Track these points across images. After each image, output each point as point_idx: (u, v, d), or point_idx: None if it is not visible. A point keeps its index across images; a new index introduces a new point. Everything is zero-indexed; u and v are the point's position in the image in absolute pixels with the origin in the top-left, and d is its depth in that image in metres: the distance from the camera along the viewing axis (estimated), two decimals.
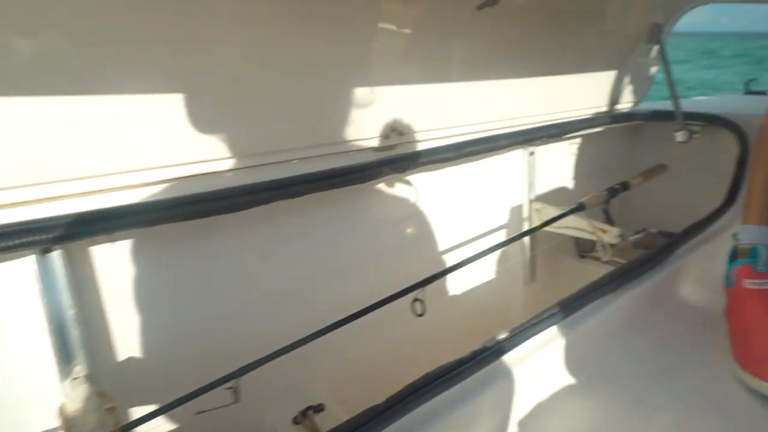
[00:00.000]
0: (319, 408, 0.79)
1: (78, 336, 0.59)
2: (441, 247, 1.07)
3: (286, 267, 0.83)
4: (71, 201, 0.60)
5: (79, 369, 0.59)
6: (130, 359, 0.68)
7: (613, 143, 1.42)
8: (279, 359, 0.64)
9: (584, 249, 1.28)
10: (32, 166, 0.56)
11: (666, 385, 0.77)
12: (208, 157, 0.69)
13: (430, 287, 0.79)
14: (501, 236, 1.19)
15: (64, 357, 0.58)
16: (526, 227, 1.22)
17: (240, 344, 0.76)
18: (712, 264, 0.96)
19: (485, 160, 1.09)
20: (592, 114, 1.30)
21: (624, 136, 1.43)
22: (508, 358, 0.67)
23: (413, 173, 0.96)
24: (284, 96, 0.74)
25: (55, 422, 0.57)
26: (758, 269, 0.85)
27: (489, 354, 0.64)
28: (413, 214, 1.01)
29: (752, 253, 0.87)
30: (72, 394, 0.57)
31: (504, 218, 1.20)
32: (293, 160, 0.78)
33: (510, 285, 1.24)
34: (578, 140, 1.32)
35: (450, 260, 1.03)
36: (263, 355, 0.63)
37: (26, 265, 0.57)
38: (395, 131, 0.88)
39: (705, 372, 0.81)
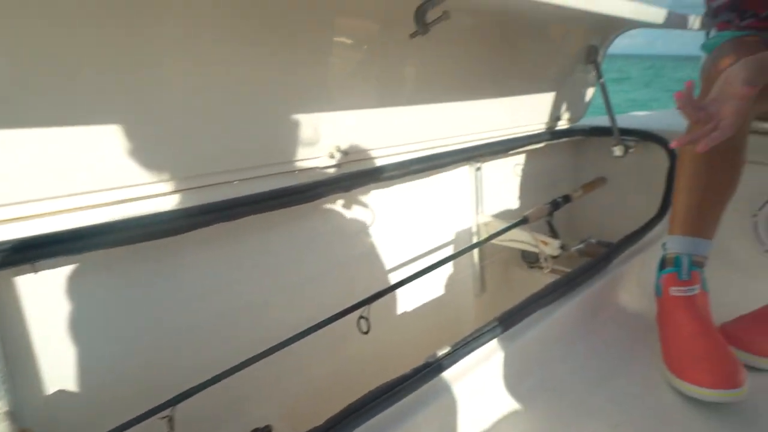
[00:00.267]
0: (266, 430, 0.78)
1: None
2: (390, 264, 1.08)
3: (229, 289, 0.81)
4: None
5: (0, 405, 0.56)
6: (59, 393, 0.65)
7: (556, 158, 1.49)
8: (223, 382, 0.63)
9: (530, 260, 1.33)
10: None
11: (604, 391, 0.81)
12: (145, 180, 0.68)
13: (380, 304, 0.80)
14: (450, 250, 1.22)
15: None
16: (474, 241, 1.26)
17: (180, 370, 0.74)
18: (647, 272, 1.02)
19: (432, 177, 1.11)
20: (536, 131, 1.36)
21: (566, 150, 1.50)
22: (449, 373, 0.68)
23: (360, 192, 0.97)
24: (228, 117, 0.74)
25: None
26: (682, 277, 0.91)
27: (430, 370, 0.65)
28: (360, 232, 1.01)
29: (676, 262, 0.93)
30: None
31: (452, 233, 1.23)
32: (234, 181, 0.77)
33: (461, 298, 1.27)
34: (523, 155, 1.37)
35: (399, 276, 1.04)
36: (203, 380, 0.62)
37: None
38: (341, 151, 0.89)
39: (640, 376, 0.86)
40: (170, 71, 0.66)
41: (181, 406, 0.58)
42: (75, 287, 0.64)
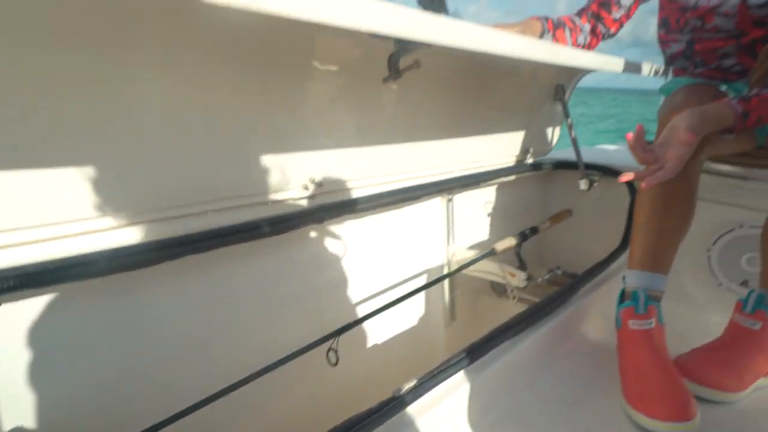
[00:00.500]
0: None
1: None
2: (361, 295, 1.09)
3: (200, 320, 0.81)
4: None
5: None
6: (24, 429, 0.63)
7: (526, 190, 1.54)
8: (192, 415, 0.62)
9: (498, 290, 1.36)
10: None
11: (567, 421, 0.83)
12: (116, 211, 0.67)
13: (349, 335, 0.81)
14: (421, 280, 1.24)
15: None
16: (445, 271, 1.28)
17: (150, 402, 0.73)
18: (610, 303, 1.06)
19: (405, 208, 1.14)
20: (506, 164, 1.41)
21: (535, 183, 1.56)
22: (415, 407, 0.69)
23: (333, 223, 0.99)
24: (202, 149, 0.75)
25: None
26: (639, 311, 0.96)
27: (396, 404, 0.66)
28: (333, 264, 1.03)
29: (634, 296, 0.97)
30: None
31: (423, 263, 1.26)
32: (208, 212, 0.77)
33: (431, 327, 1.28)
34: (494, 187, 1.42)
35: (370, 307, 1.06)
36: (173, 412, 0.61)
37: None
38: (315, 182, 0.90)
39: (603, 407, 0.89)
40: (145, 102, 0.66)
41: None
42: (41, 321, 0.63)
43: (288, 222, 0.83)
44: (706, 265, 1.35)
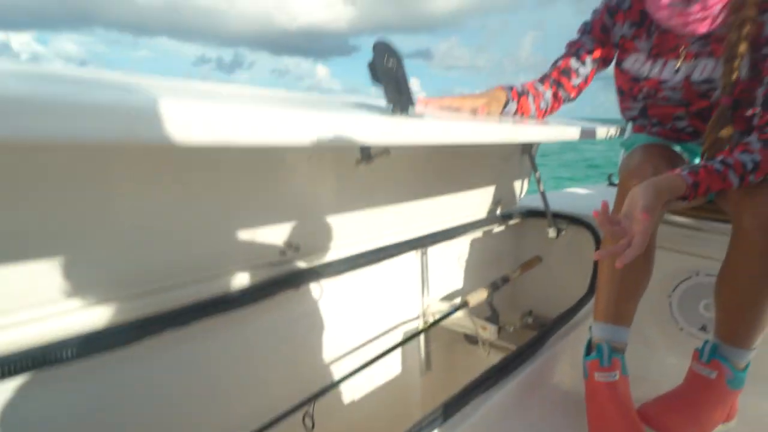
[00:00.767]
0: None
1: None
2: (337, 355, 1.11)
3: (177, 392, 0.81)
4: None
5: None
6: None
7: (497, 239, 1.60)
8: None
9: (472, 341, 1.40)
10: None
11: None
12: (93, 292, 0.68)
13: (327, 398, 0.82)
14: (397, 335, 1.27)
15: None
16: (420, 323, 1.32)
17: None
18: (579, 351, 1.10)
19: (380, 265, 1.18)
20: (478, 217, 1.47)
21: (506, 232, 1.62)
22: None
23: (310, 287, 1.01)
24: (176, 228, 0.76)
25: None
26: (603, 364, 1.00)
27: None
28: (309, 328, 1.04)
29: (598, 349, 1.02)
30: None
31: (399, 317, 1.29)
32: (186, 285, 0.79)
33: (407, 378, 1.30)
34: (466, 239, 1.47)
35: (345, 367, 1.07)
36: None
37: None
38: (292, 247, 0.94)
39: None
40: (120, 190, 0.68)
41: None
42: (15, 406, 0.63)
43: (266, 290, 0.85)
44: (668, 310, 1.42)
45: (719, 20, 1.01)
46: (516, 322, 1.54)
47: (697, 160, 1.25)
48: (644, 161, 1.11)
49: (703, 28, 1.03)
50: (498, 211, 1.56)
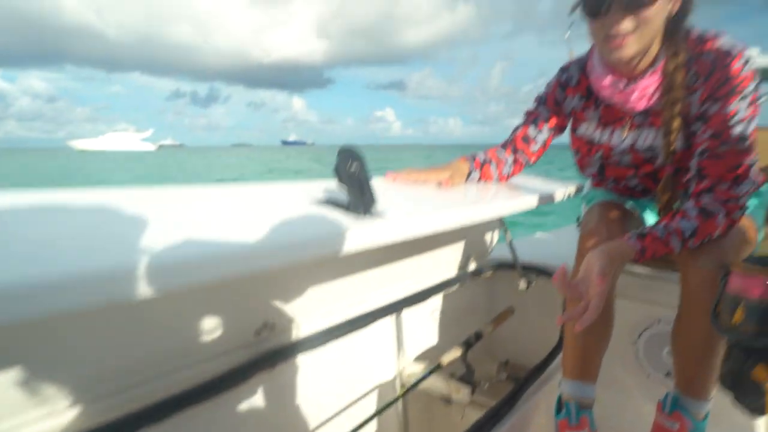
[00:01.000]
0: None
1: None
2: (314, 430, 1.12)
3: None
4: None
5: None
6: None
7: (470, 294, 1.65)
8: None
9: (449, 403, 1.42)
10: None
11: None
12: (63, 400, 0.68)
13: None
14: (373, 399, 1.28)
15: None
16: (397, 386, 1.34)
17: None
18: (553, 405, 1.14)
19: (355, 334, 1.21)
20: (450, 274, 1.52)
21: (478, 286, 1.68)
22: None
23: (286, 365, 1.02)
24: (145, 323, 0.76)
25: None
26: (572, 423, 1.05)
27: None
28: (285, 405, 1.05)
29: (567, 408, 1.07)
30: None
31: (375, 382, 1.31)
32: (160, 378, 0.79)
33: None
34: (440, 297, 1.51)
35: None
36: None
37: None
38: (267, 326, 0.97)
39: None
40: None
41: None
42: None
43: (241, 374, 0.86)
44: (634, 357, 1.48)
45: (655, 98, 1.11)
46: (493, 373, 1.57)
47: (647, 214, 1.35)
48: (600, 222, 1.20)
49: (641, 106, 1.13)
50: (470, 267, 1.61)
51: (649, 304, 1.44)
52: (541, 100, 1.34)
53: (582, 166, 1.37)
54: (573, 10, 1.08)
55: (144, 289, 0.43)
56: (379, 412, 1.06)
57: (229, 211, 0.73)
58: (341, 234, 0.64)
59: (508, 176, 1.39)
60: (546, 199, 1.29)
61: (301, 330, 1.04)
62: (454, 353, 1.29)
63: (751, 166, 1.03)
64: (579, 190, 1.51)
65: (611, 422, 1.07)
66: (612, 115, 1.22)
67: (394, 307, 1.24)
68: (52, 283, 0.38)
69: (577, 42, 1.26)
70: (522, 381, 1.27)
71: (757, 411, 0.81)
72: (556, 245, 1.97)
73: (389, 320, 1.30)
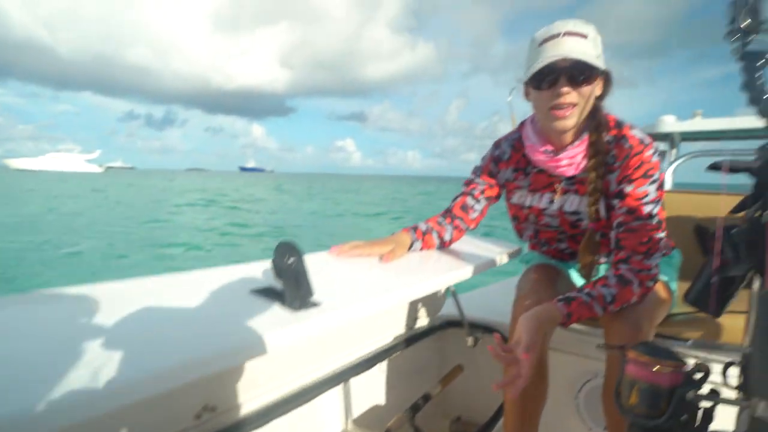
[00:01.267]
0: None
1: None
2: None
3: None
4: None
5: None
6: None
7: (420, 354, 1.67)
8: None
9: None
10: None
11: None
12: None
13: None
14: None
15: None
16: None
17: None
18: None
19: (302, 407, 1.20)
20: (397, 334, 1.55)
21: (428, 345, 1.70)
22: None
23: None
24: None
25: None
26: None
27: None
28: None
29: None
30: None
31: None
32: None
33: None
34: (389, 362, 1.51)
35: None
36: None
37: None
38: (208, 408, 0.95)
39: None
40: None
41: None
42: None
43: None
44: (575, 411, 1.54)
45: (582, 166, 1.24)
46: (445, 430, 1.59)
47: (576, 277, 1.46)
48: (533, 285, 1.31)
49: (569, 172, 1.26)
50: (418, 326, 1.65)
51: (588, 358, 1.52)
52: (477, 172, 1.44)
53: (519, 231, 1.47)
54: (522, 80, 1.21)
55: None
56: None
57: (158, 310, 0.74)
58: (276, 333, 0.67)
59: (450, 242, 1.47)
60: (488, 265, 1.37)
61: (244, 408, 1.03)
62: (403, 418, 1.30)
63: (660, 239, 1.15)
64: (518, 252, 1.60)
65: None
66: (542, 182, 1.33)
67: (341, 377, 1.25)
68: None
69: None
70: None
71: None
72: (503, 297, 2.05)
73: (337, 390, 1.31)
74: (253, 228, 15.54)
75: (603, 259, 1.37)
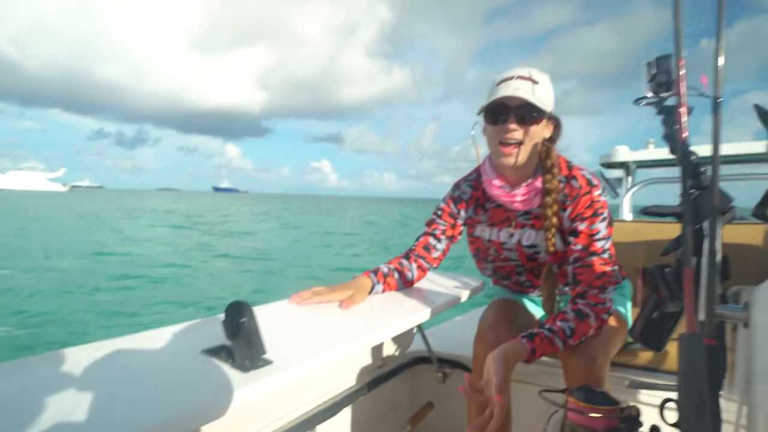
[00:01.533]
0: None
1: None
2: None
3: None
4: None
5: None
6: None
7: (390, 393, 1.65)
8: None
9: None
10: None
11: None
12: None
13: None
14: None
15: None
16: None
17: None
18: None
19: None
20: (366, 373, 1.54)
21: (397, 384, 1.69)
22: None
23: None
24: None
25: None
26: None
27: None
28: None
29: None
30: None
31: None
32: None
33: None
34: (358, 404, 1.50)
35: None
36: None
37: None
38: None
39: None
40: None
41: None
42: None
43: None
44: None
45: (535, 202, 1.30)
46: None
47: (534, 308, 1.50)
48: (496, 320, 1.34)
49: (525, 207, 1.32)
50: (386, 366, 1.65)
51: (551, 390, 1.54)
52: (438, 213, 1.49)
53: (480, 266, 1.51)
54: (479, 113, 1.28)
55: None
56: None
57: (104, 379, 0.73)
58: (226, 396, 0.67)
59: (413, 281, 1.49)
60: (452, 302, 1.40)
61: None
62: None
63: (613, 273, 1.21)
64: (482, 287, 1.64)
65: None
66: (500, 216, 1.39)
67: (307, 424, 1.24)
68: None
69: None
70: None
71: None
72: (470, 329, 2.06)
73: None
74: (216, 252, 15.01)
75: (566, 289, 1.41)
